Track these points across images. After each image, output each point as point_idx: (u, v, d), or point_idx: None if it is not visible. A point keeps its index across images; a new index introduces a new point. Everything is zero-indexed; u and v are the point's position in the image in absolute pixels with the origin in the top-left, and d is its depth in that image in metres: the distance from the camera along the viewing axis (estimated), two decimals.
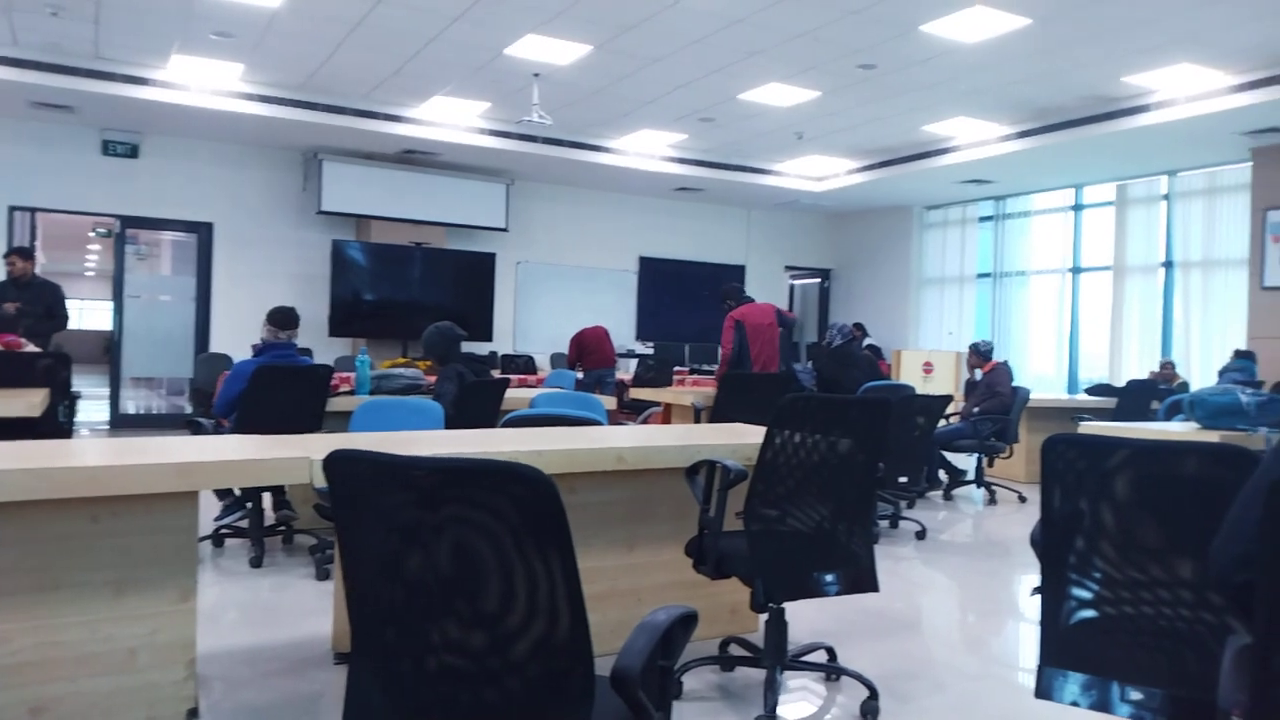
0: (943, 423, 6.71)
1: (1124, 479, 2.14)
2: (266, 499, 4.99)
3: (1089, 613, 2.17)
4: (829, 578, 2.93)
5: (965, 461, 7.77)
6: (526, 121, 8.99)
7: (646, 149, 11.20)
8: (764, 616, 3.06)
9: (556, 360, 11.33)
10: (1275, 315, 9.06)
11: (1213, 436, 4.66)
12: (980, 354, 7.68)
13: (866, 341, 12.16)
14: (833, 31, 7.19)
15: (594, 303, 12.69)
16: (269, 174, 10.98)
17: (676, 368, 9.45)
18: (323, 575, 4.39)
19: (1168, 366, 9.33)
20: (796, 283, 15.49)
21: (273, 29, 7.59)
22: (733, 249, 14.06)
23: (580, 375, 9.07)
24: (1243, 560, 1.50)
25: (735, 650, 3.38)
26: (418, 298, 11.31)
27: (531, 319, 12.56)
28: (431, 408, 4.46)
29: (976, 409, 7.26)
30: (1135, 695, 2.05)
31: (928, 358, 12.09)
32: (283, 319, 5.11)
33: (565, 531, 1.50)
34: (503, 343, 12.14)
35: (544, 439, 3.35)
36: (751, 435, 3.50)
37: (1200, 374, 9.88)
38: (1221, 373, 7.60)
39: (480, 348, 11.19)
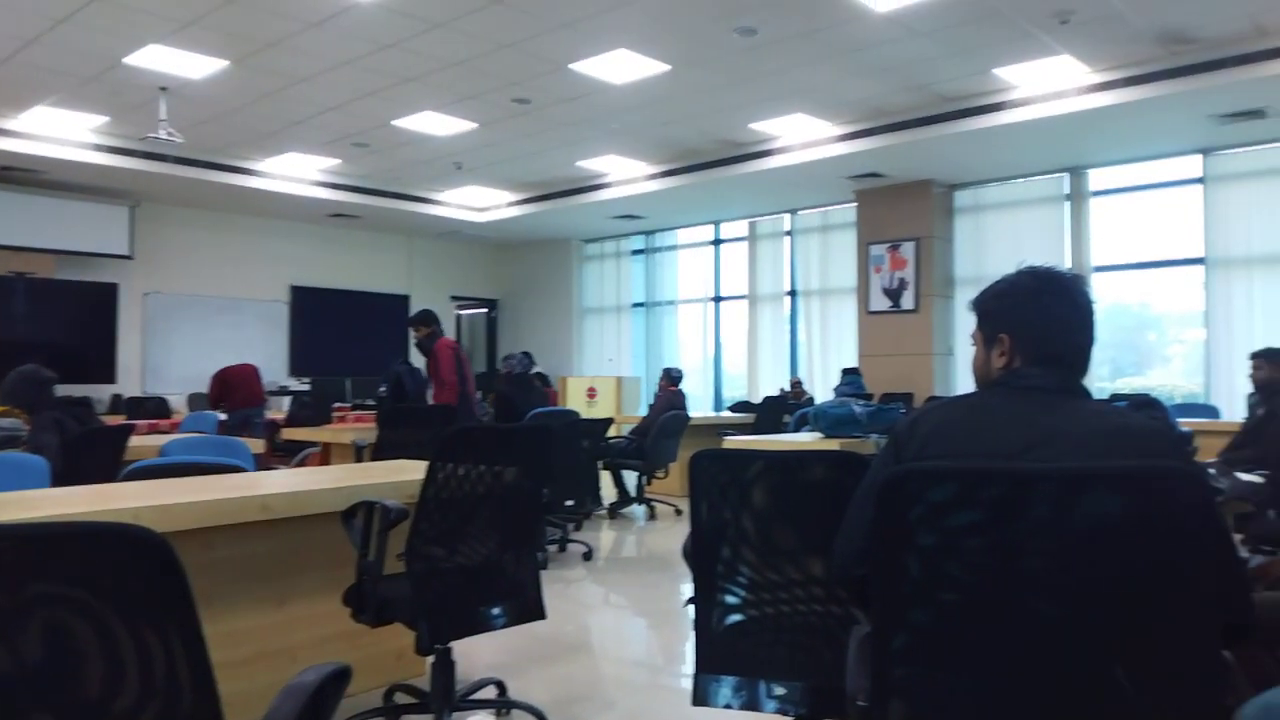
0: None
1: (761, 488, 2.29)
2: None
3: (737, 617, 2.29)
4: (496, 611, 2.87)
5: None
6: (153, 139, 8.12)
7: (296, 173, 10.58)
8: (431, 659, 2.94)
9: (196, 402, 10.28)
10: (879, 336, 10.43)
11: (833, 444, 5.22)
12: (671, 378, 8.24)
13: (534, 369, 12.34)
14: (487, 64, 7.25)
15: (240, 337, 11.73)
16: None
17: (336, 404, 8.92)
18: None
19: (796, 384, 10.39)
20: (463, 313, 15.40)
21: None
22: (395, 278, 13.68)
23: (224, 417, 8.28)
24: (859, 556, 1.65)
25: (401, 698, 3.21)
26: (21, 336, 9.77)
27: (164, 356, 11.33)
28: (34, 463, 3.81)
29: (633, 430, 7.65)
30: (779, 690, 2.19)
31: (592, 383, 12.53)
32: None
33: (185, 597, 1.30)
34: (129, 383, 10.83)
35: (174, 491, 2.98)
36: (414, 471, 3.36)
37: (823, 389, 11.12)
38: (837, 389, 8.59)
39: (100, 391, 9.89)
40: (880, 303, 10.46)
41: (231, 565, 3.04)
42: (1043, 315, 1.67)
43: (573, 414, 6.72)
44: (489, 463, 2.80)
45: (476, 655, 3.77)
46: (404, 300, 13.58)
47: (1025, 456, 1.52)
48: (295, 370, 12.42)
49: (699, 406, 12.13)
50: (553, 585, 5.19)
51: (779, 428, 8.50)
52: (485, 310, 15.15)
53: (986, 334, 1.75)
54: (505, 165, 10.41)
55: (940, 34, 6.66)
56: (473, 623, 2.87)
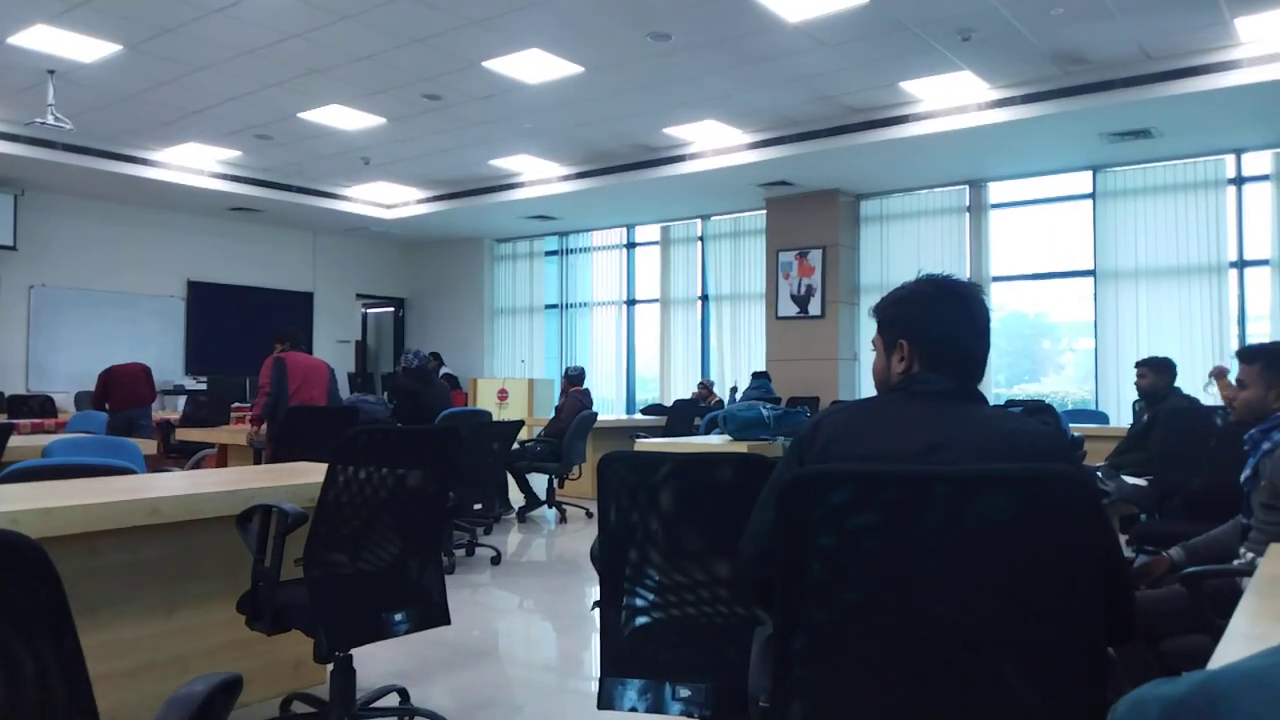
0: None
1: (668, 490, 2.30)
2: None
3: (644, 619, 2.29)
4: (398, 617, 2.81)
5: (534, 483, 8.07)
6: (40, 124, 7.72)
7: (195, 164, 10.20)
8: (330, 667, 2.86)
9: (85, 400, 9.82)
10: (787, 341, 10.60)
11: (742, 447, 5.27)
12: (570, 379, 8.19)
13: (443, 370, 12.16)
14: (397, 58, 7.11)
15: (134, 333, 11.25)
16: None
17: (235, 404, 8.62)
18: None
19: (705, 386, 10.48)
20: (370, 311, 15.08)
21: None
22: (299, 275, 13.30)
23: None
24: (763, 557, 1.67)
25: (299, 707, 3.12)
26: None
27: (51, 353, 10.78)
28: None
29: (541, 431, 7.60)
30: (684, 692, 2.20)
31: (503, 385, 12.41)
32: None
33: (59, 605, 1.23)
34: (12, 381, 10.28)
35: (56, 494, 2.83)
36: (313, 474, 3.27)
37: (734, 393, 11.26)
38: (745, 392, 8.70)
39: None
40: (789, 308, 10.63)
41: (118, 572, 2.91)
42: (940, 322, 1.72)
43: (484, 415, 6.65)
44: (392, 465, 2.74)
45: (379, 662, 3.68)
46: (308, 298, 13.23)
47: (923, 459, 1.56)
48: (192, 368, 11.97)
49: (612, 409, 12.15)
50: (460, 590, 5.12)
51: (690, 430, 8.56)
52: (393, 309, 14.87)
53: (887, 340, 1.78)
54: (415, 162, 10.24)
55: (848, 46, 6.81)
56: (374, 629, 2.80)
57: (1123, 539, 4.49)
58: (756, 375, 9.82)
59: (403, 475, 2.78)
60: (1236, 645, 1.25)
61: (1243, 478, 2.67)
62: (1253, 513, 2.64)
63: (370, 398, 7.51)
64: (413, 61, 7.18)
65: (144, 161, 9.88)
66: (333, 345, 13.15)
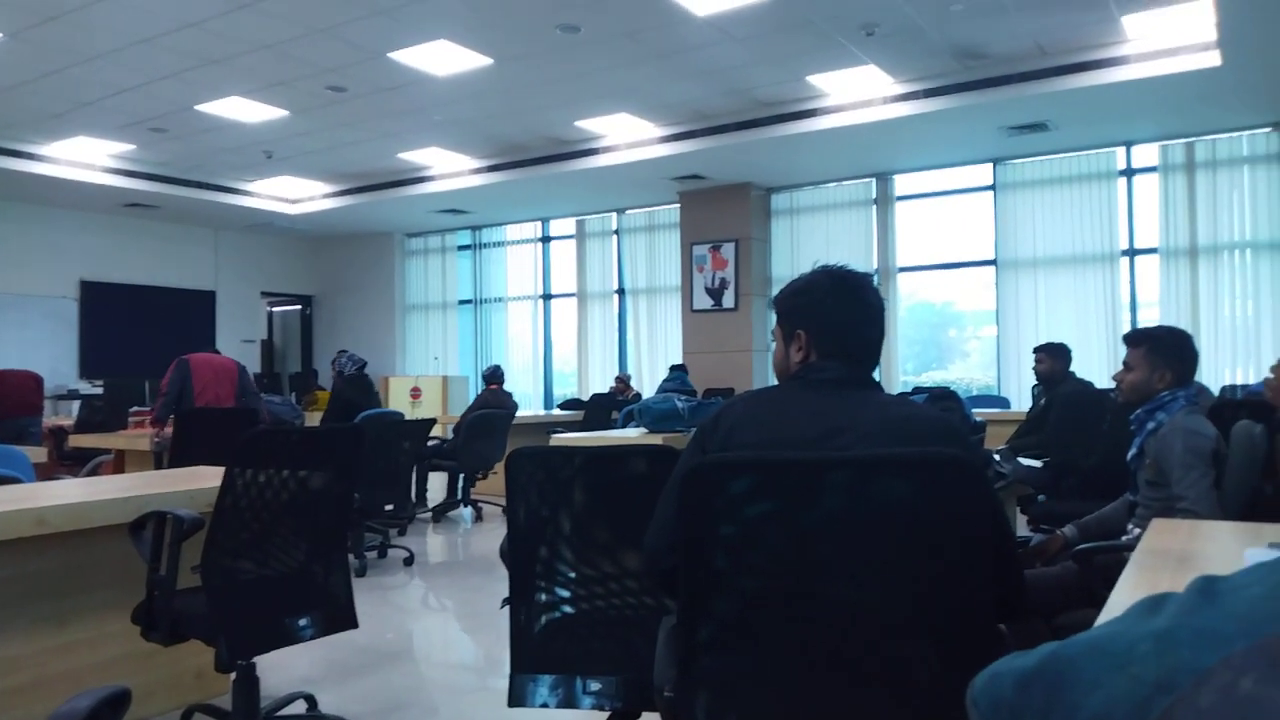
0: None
1: (579, 485, 2.29)
2: None
3: (554, 615, 2.28)
4: (303, 622, 2.74)
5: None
6: None
7: (85, 158, 9.76)
8: (232, 676, 2.77)
9: None
10: (702, 334, 10.68)
11: (657, 439, 5.30)
12: (485, 377, 8.17)
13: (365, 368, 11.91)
14: (299, 49, 6.92)
15: (23, 336, 10.72)
16: None
17: (134, 408, 8.29)
18: None
19: (623, 380, 10.50)
20: (275, 309, 14.67)
21: None
22: (200, 273, 12.85)
23: None
24: (667, 547, 1.68)
25: (200, 719, 3.02)
26: None
27: None
28: None
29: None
30: (595, 686, 2.20)
31: (415, 383, 12.21)
32: None
33: None
34: None
35: None
36: (213, 478, 3.16)
37: (650, 386, 11.29)
38: (662, 385, 8.73)
39: None
40: (703, 301, 10.72)
41: (3, 586, 2.77)
42: (835, 312, 1.75)
43: (395, 415, 6.53)
44: (294, 467, 2.67)
45: (286, 670, 3.59)
46: (210, 296, 12.80)
47: (821, 446, 1.58)
48: (86, 372, 11.46)
49: (529, 404, 12.07)
50: (372, 592, 5.03)
51: (608, 424, 8.57)
52: (300, 307, 14.48)
53: (785, 330, 1.81)
54: (320, 155, 9.98)
55: (756, 40, 6.88)
56: (277, 636, 2.73)
57: (1022, 519, 4.65)
58: (673, 368, 9.87)
59: (305, 477, 2.71)
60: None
61: (1129, 456, 2.79)
62: (1139, 490, 2.76)
63: (276, 398, 7.32)
64: (315, 52, 6.99)
65: (31, 156, 9.41)
66: (237, 345, 12.73)
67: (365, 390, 6.66)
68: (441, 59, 7.15)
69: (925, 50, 7.12)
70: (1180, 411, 2.65)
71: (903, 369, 10.25)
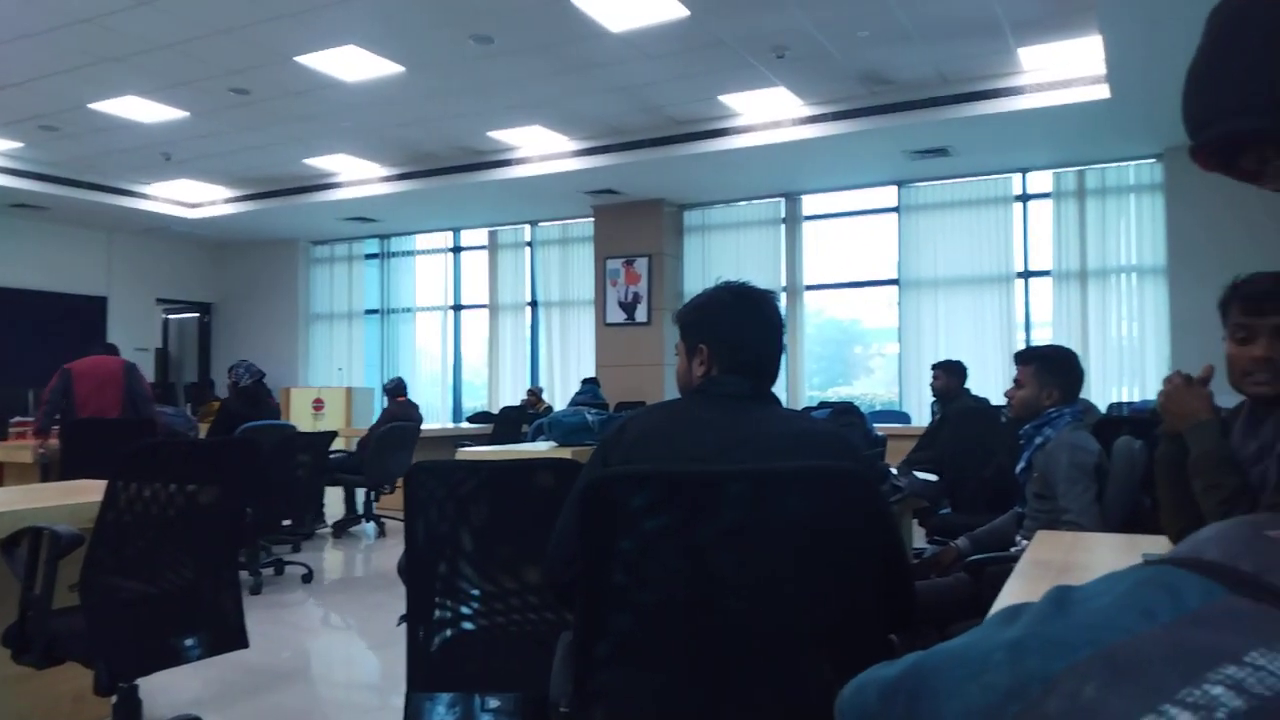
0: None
1: (481, 500, 2.26)
2: None
3: (453, 632, 2.25)
4: (189, 642, 2.63)
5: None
6: None
7: None
8: (114, 699, 2.64)
9: None
10: (615, 347, 10.69)
11: (567, 453, 5.27)
12: (388, 391, 7.99)
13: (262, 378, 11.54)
14: (201, 49, 6.70)
15: None
16: None
17: (17, 418, 7.86)
18: None
19: (534, 393, 10.43)
20: (172, 317, 14.13)
21: None
22: (91, 278, 12.27)
23: None
24: (568, 561, 1.66)
25: None
26: None
27: None
28: None
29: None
30: (494, 703, 2.17)
31: (318, 394, 11.89)
32: None
33: None
34: None
35: None
36: (96, 492, 3.01)
37: (562, 399, 11.23)
38: (574, 398, 8.72)
39: None
40: (616, 315, 10.74)
41: None
42: (736, 327, 1.77)
43: (289, 427, 6.34)
44: (182, 481, 2.56)
45: (175, 691, 3.44)
46: (101, 302, 12.25)
47: (720, 459, 1.59)
48: None
49: (436, 418, 11.88)
50: (268, 610, 4.87)
51: (518, 438, 8.48)
52: (198, 315, 13.97)
53: (688, 344, 1.83)
54: (222, 159, 9.67)
55: (670, 58, 6.95)
56: (162, 656, 2.61)
57: (921, 531, 4.78)
58: (585, 381, 9.88)
59: (194, 491, 2.60)
60: None
61: (1018, 470, 2.89)
62: (1027, 503, 2.86)
63: (169, 409, 7.03)
64: (218, 53, 6.78)
65: None
66: (130, 354, 12.09)
67: (256, 402, 6.44)
68: (351, 65, 7.02)
69: (833, 74, 7.30)
70: (1066, 428, 2.76)
71: (809, 384, 10.43)
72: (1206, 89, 1.04)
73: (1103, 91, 6.83)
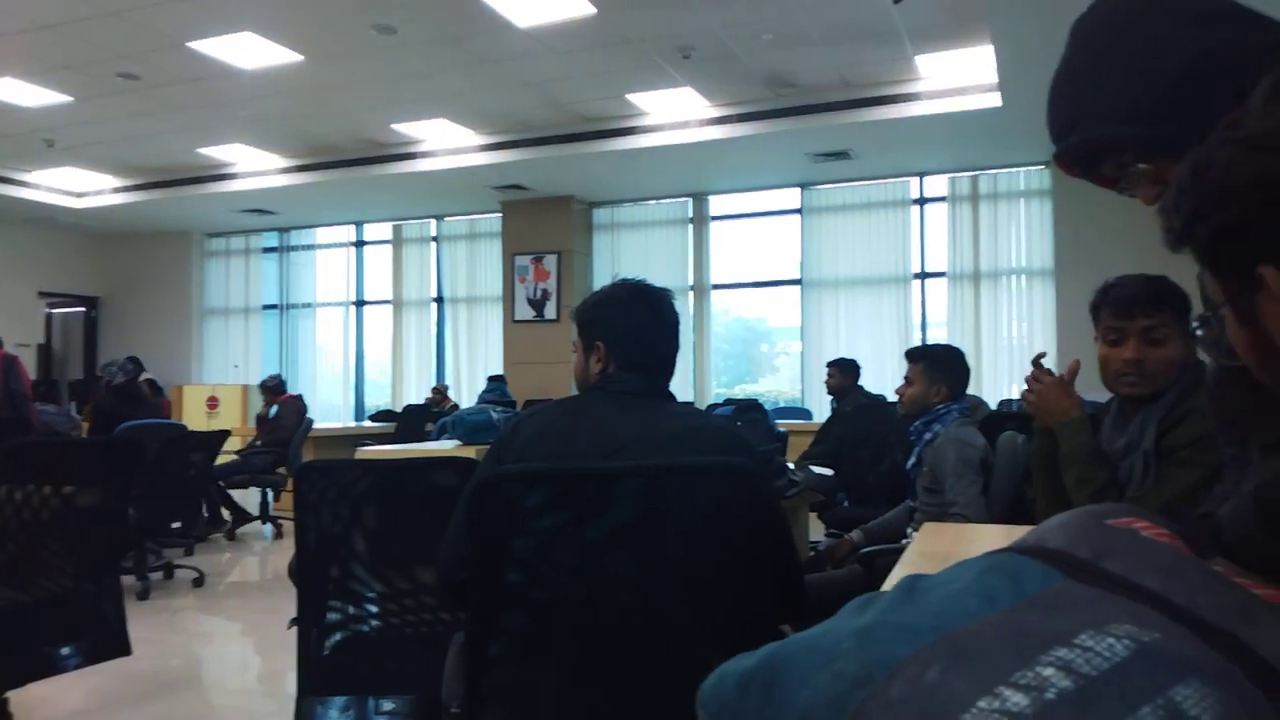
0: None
1: (375, 499, 2.22)
2: None
3: (346, 634, 2.20)
4: (67, 651, 2.51)
5: (251, 498, 7.54)
6: None
7: None
8: None
9: None
10: (524, 345, 10.61)
11: (471, 451, 5.21)
12: (270, 389, 7.67)
13: (144, 376, 11.06)
14: (86, 31, 6.39)
15: None
16: None
17: None
18: None
19: (439, 391, 10.28)
20: (55, 311, 13.44)
21: None
22: None
23: None
24: (461, 560, 1.65)
25: None
26: None
27: None
28: None
29: (258, 443, 7.13)
30: (388, 706, 2.13)
31: (213, 392, 11.47)
32: None
33: None
34: None
35: None
36: None
37: (469, 397, 11.09)
38: (480, 396, 8.62)
39: None
40: (525, 312, 10.66)
41: None
42: (633, 325, 1.78)
43: (177, 426, 6.11)
44: (59, 482, 2.45)
45: (54, 703, 3.28)
46: None
47: (615, 456, 1.60)
48: None
49: (337, 416, 11.61)
50: (157, 615, 4.69)
51: (422, 436, 8.34)
52: (84, 309, 13.32)
53: (585, 342, 1.83)
54: (110, 146, 9.24)
55: (578, 55, 6.93)
56: (36, 666, 2.49)
57: (820, 525, 4.89)
58: (492, 379, 9.76)
59: (72, 493, 2.49)
60: None
61: (909, 465, 2.98)
62: (918, 496, 2.95)
63: (51, 408, 6.70)
64: (105, 35, 6.48)
65: None
66: (10, 349, 11.55)
67: (132, 401, 6.18)
68: (248, 52, 6.80)
69: (739, 76, 7.40)
70: (954, 423, 2.86)
71: (716, 382, 10.55)
72: (1069, 98, 1.10)
73: (995, 100, 7.08)
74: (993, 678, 0.46)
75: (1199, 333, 0.82)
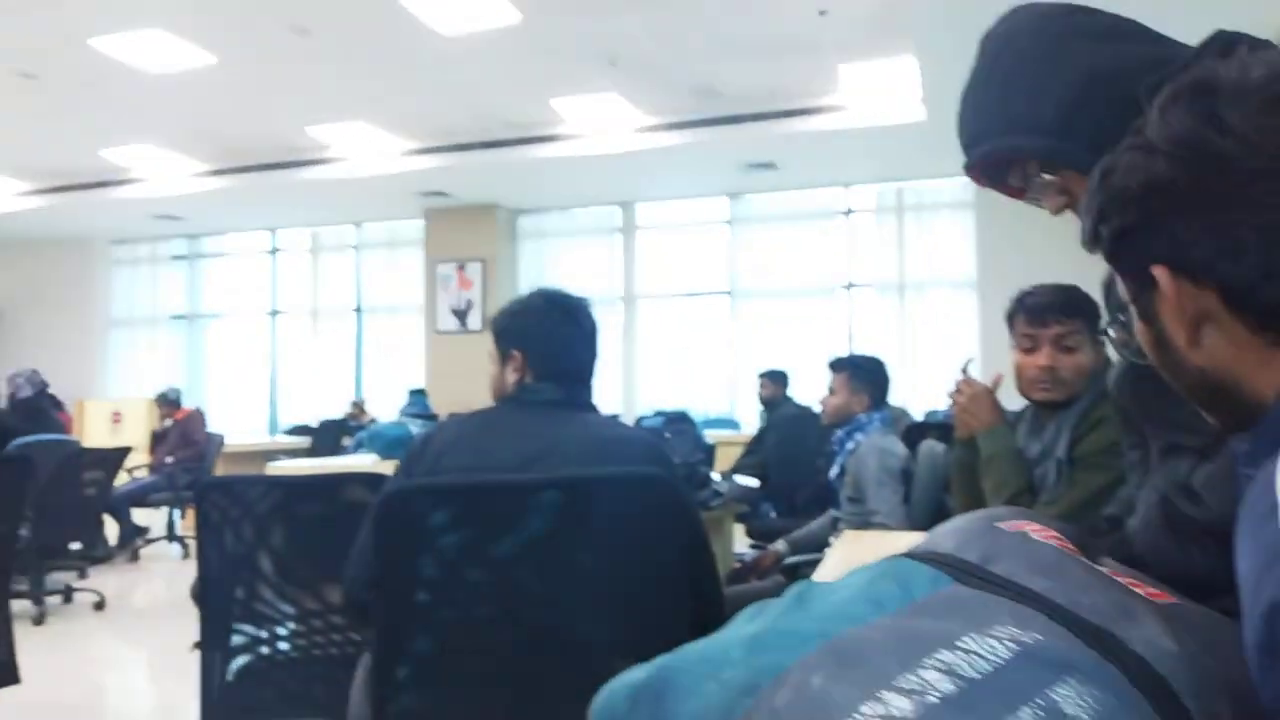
0: (126, 477, 6.14)
1: (282, 517, 2.12)
2: None
3: (252, 658, 2.10)
4: None
5: (157, 516, 7.23)
6: None
7: None
8: None
9: None
10: (447, 356, 10.42)
11: (388, 466, 5.07)
12: (169, 402, 7.35)
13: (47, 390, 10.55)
14: None
15: None
16: None
17: None
18: None
19: (358, 405, 10.06)
20: None
21: None
22: None
23: None
24: (367, 581, 1.57)
25: None
26: None
27: None
28: None
29: (169, 459, 6.84)
30: None
31: (117, 407, 10.99)
32: None
33: None
34: None
35: None
36: None
37: (390, 410, 10.84)
38: (402, 409, 8.45)
39: None
40: (448, 323, 10.49)
41: None
42: (550, 334, 1.74)
43: (72, 443, 5.82)
44: None
45: None
46: None
47: (529, 467, 1.54)
48: None
49: (251, 431, 11.24)
50: (53, 640, 4.47)
51: (339, 451, 8.14)
52: None
53: (501, 351, 1.79)
54: (5, 149, 8.82)
55: (502, 61, 6.85)
56: None
57: (747, 537, 4.88)
58: (413, 392, 9.56)
59: None
60: None
61: (833, 475, 2.98)
62: (841, 505, 2.95)
63: None
64: (2, 32, 6.17)
65: None
66: None
67: (33, 416, 5.89)
68: (156, 52, 6.55)
69: (666, 84, 7.40)
70: (875, 432, 2.87)
71: (644, 393, 10.52)
72: (976, 110, 1.12)
73: (919, 112, 7.19)
74: (876, 682, 0.46)
75: (1110, 333, 0.84)
